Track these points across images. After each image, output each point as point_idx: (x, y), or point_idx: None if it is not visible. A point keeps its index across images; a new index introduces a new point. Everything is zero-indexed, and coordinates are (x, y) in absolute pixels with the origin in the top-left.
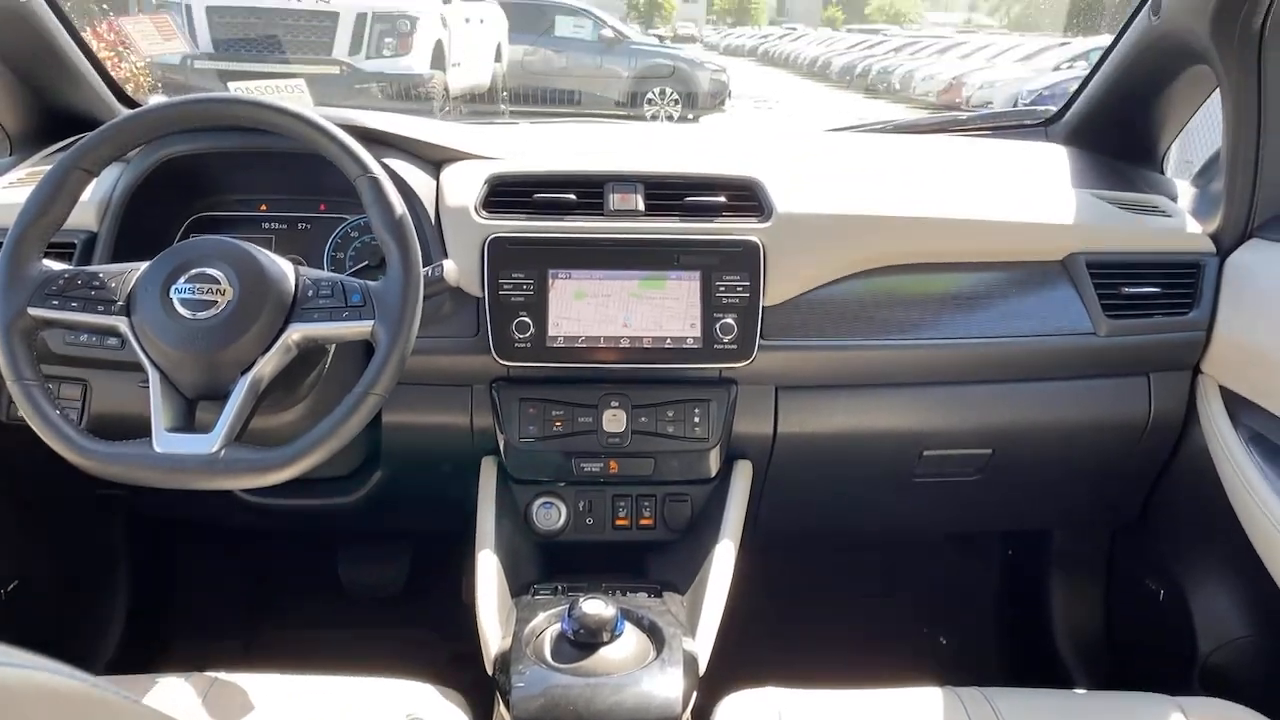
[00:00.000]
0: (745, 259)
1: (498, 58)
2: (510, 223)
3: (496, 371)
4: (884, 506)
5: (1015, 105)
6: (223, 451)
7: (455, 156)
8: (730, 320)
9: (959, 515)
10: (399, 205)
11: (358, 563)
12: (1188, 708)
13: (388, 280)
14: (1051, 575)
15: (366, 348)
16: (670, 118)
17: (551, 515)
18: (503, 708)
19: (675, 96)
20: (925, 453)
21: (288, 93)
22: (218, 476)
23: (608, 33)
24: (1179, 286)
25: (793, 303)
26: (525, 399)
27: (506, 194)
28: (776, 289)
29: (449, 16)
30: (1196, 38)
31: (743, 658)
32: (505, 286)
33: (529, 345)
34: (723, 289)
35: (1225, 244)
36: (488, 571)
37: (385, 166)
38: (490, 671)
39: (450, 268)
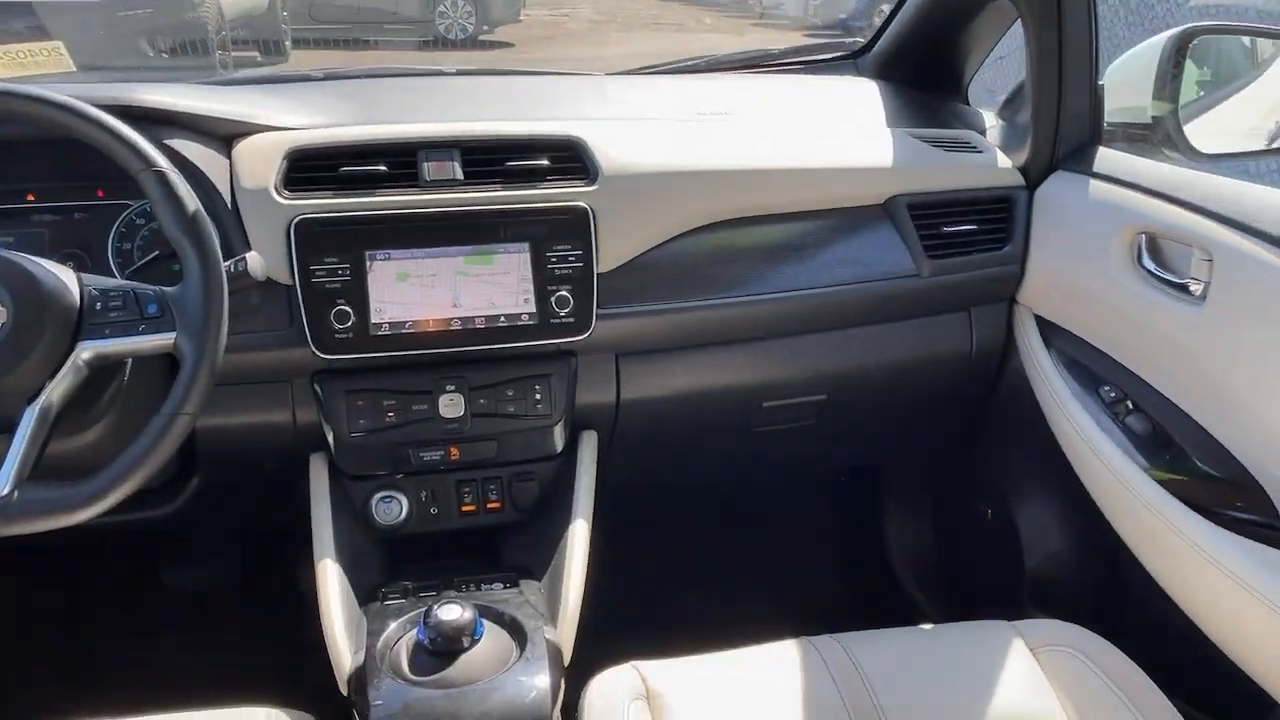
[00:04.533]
0: (575, 226)
1: None
2: (316, 201)
3: (317, 365)
4: (728, 458)
5: None
6: (15, 493)
7: (248, 130)
8: (565, 292)
9: (799, 459)
10: (191, 200)
11: (182, 563)
12: (1024, 631)
13: (186, 286)
14: (885, 509)
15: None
16: (464, 29)
17: (392, 509)
18: None
19: (469, 8)
20: (765, 404)
21: (44, 56)
22: (12, 522)
23: None
24: (994, 222)
25: (626, 267)
26: (353, 391)
27: (309, 169)
28: (609, 254)
29: None
30: None
31: (606, 636)
32: (318, 274)
33: (351, 335)
34: (554, 259)
35: (1033, 176)
36: (330, 579)
37: (169, 150)
38: (345, 691)
39: (255, 260)
